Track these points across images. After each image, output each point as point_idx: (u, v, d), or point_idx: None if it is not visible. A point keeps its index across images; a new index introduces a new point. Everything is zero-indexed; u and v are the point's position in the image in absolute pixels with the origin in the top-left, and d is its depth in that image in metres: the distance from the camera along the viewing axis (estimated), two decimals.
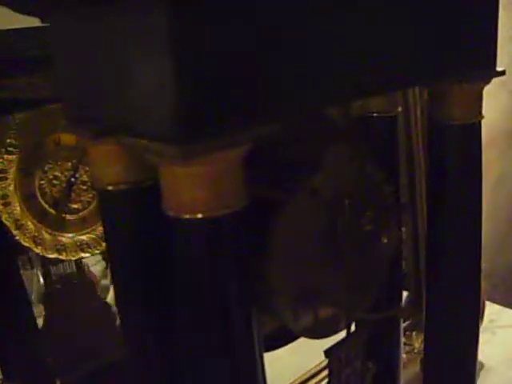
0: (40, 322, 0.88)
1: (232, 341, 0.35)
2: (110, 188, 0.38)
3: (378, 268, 0.45)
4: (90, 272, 0.99)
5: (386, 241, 0.43)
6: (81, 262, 0.93)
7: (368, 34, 0.39)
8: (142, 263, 0.39)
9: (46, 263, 0.90)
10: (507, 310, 1.41)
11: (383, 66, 0.40)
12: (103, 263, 1.03)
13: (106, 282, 1.01)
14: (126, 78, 0.32)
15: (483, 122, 1.85)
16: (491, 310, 1.39)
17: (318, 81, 0.36)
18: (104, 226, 0.40)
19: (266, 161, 0.40)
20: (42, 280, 0.95)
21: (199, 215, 0.32)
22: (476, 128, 0.50)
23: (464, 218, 0.53)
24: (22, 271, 0.95)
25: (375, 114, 0.53)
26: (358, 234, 0.43)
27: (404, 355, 1.10)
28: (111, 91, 0.34)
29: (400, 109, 0.54)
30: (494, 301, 1.50)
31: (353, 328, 0.48)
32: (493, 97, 1.73)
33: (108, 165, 0.38)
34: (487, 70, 0.47)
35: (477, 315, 0.67)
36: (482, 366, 1.22)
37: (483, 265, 2.01)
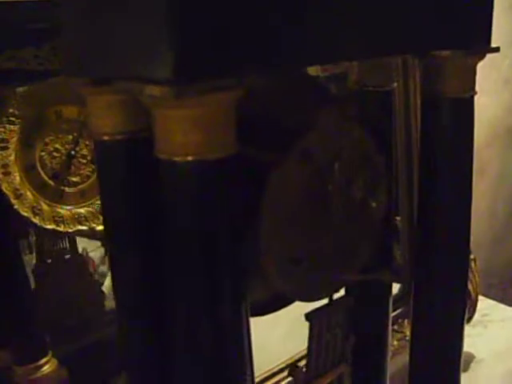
0: None
1: (219, 284, 0.36)
2: (105, 138, 0.39)
3: (367, 233, 0.46)
4: (89, 258, 1.00)
5: (374, 206, 0.44)
6: (74, 239, 0.94)
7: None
8: (135, 213, 0.40)
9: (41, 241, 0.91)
10: (500, 305, 1.43)
11: (379, 30, 0.41)
12: (102, 250, 1.05)
13: (103, 268, 1.02)
14: (120, 23, 0.33)
15: (486, 119, 1.86)
16: (485, 304, 1.41)
17: (314, 36, 0.36)
18: (99, 177, 0.41)
19: (257, 122, 0.41)
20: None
21: (189, 158, 0.33)
22: (469, 102, 0.50)
23: (455, 191, 0.53)
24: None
25: (371, 89, 0.55)
26: (347, 199, 0.43)
27: (395, 342, 1.11)
28: (106, 37, 0.35)
29: (395, 84, 0.55)
30: (489, 297, 1.51)
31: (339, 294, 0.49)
32: (495, 94, 1.73)
33: (105, 115, 0.39)
34: (481, 44, 0.48)
35: (463, 302, 0.68)
36: (473, 357, 1.22)
37: (479, 262, 2.02)
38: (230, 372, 0.43)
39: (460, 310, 0.67)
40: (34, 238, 0.90)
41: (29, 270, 0.95)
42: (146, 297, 0.47)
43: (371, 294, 0.56)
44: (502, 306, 1.43)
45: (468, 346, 1.28)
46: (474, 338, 1.29)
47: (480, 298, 1.46)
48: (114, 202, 0.40)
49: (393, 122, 0.57)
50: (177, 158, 0.33)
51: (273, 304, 0.50)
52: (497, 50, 0.48)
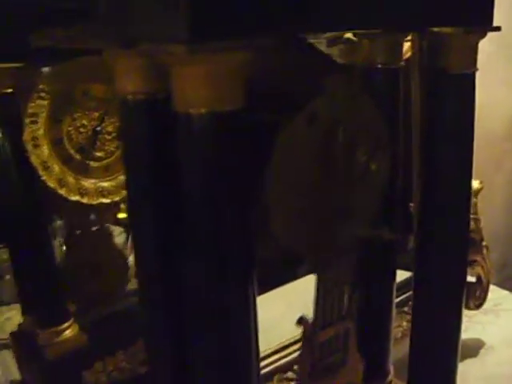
0: None
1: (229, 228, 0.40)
2: (129, 97, 0.43)
3: (369, 193, 0.49)
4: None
5: (377, 170, 0.47)
6: (102, 212, 0.98)
7: None
8: (155, 166, 0.44)
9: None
10: None
11: (389, 6, 0.44)
12: (124, 235, 1.09)
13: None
14: None
15: (503, 112, 1.87)
16: (498, 294, 1.41)
17: (323, 3, 0.40)
18: (121, 131, 0.45)
19: (268, 86, 0.44)
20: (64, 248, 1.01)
21: (202, 110, 0.37)
22: (470, 77, 0.53)
23: (456, 158, 0.56)
24: None
25: (379, 66, 0.58)
26: (351, 161, 0.47)
27: (405, 323, 1.14)
28: (131, 4, 0.39)
29: (403, 63, 0.59)
30: (505, 288, 1.52)
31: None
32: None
33: (128, 77, 0.43)
34: (482, 23, 0.51)
35: (463, 278, 0.70)
36: (483, 344, 1.23)
37: (495, 254, 2.02)
38: (238, 338, 0.47)
39: (458, 296, 0.69)
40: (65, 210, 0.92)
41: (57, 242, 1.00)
42: (164, 260, 0.51)
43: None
44: None
45: (479, 333, 1.26)
46: (485, 326, 1.30)
47: (493, 287, 1.45)
48: (134, 155, 0.44)
49: (399, 97, 0.60)
50: (191, 110, 0.37)
51: (280, 263, 0.53)
52: (498, 29, 0.51)
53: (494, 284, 1.48)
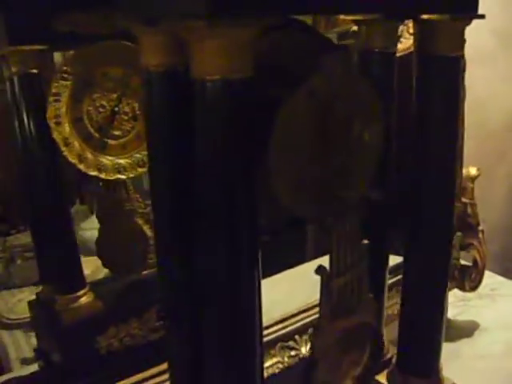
0: None
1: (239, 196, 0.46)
2: (151, 69, 0.49)
3: (362, 161, 0.55)
4: None
5: (370, 140, 0.53)
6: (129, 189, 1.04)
7: None
8: (174, 131, 0.50)
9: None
10: (510, 281, 1.47)
11: None
12: None
13: None
14: None
15: (502, 107, 1.92)
16: (494, 280, 1.46)
17: None
18: (145, 101, 0.51)
19: (272, 63, 0.50)
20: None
21: (216, 77, 0.43)
22: (458, 60, 0.59)
23: (443, 141, 0.62)
24: None
25: (376, 50, 0.64)
26: (346, 132, 0.52)
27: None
28: None
29: (396, 48, 0.64)
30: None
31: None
32: None
33: (152, 51, 0.49)
34: (468, 11, 0.57)
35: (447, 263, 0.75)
36: (478, 326, 1.28)
37: (496, 246, 2.05)
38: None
39: (443, 276, 0.74)
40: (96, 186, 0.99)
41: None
42: (181, 229, 0.57)
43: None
44: (510, 282, 1.47)
45: (473, 315, 1.31)
46: (480, 309, 1.34)
47: (490, 274, 1.45)
48: (155, 121, 0.50)
49: (393, 78, 0.66)
50: (208, 77, 0.43)
51: (282, 226, 0.59)
52: (482, 16, 0.57)
53: (491, 270, 1.51)
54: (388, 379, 0.71)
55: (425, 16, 0.57)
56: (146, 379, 0.94)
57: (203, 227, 0.51)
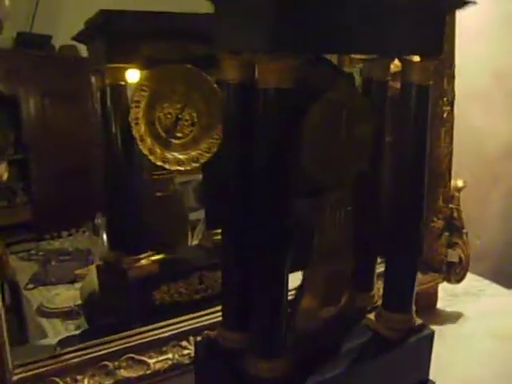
0: None
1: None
2: (230, 82, 0.75)
3: (362, 146, 0.82)
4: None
5: (366, 137, 0.80)
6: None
7: (373, 21, 0.73)
8: (244, 127, 0.76)
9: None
10: (496, 284, 1.63)
11: (377, 39, 0.75)
12: None
13: None
14: (240, 19, 0.70)
15: (499, 138, 2.16)
16: (481, 283, 1.62)
17: (347, 34, 0.72)
18: (223, 107, 0.77)
19: (305, 83, 0.77)
20: (105, 242, 1.31)
21: (271, 86, 0.68)
22: (427, 89, 0.83)
23: (413, 155, 0.85)
24: (88, 233, 1.33)
25: (374, 79, 0.91)
26: (351, 131, 0.79)
27: None
28: (236, 30, 0.71)
29: (390, 77, 0.92)
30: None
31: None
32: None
33: (230, 69, 0.75)
34: (435, 53, 0.81)
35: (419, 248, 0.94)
36: (462, 315, 1.46)
37: (491, 264, 2.16)
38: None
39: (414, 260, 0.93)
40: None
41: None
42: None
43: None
44: (497, 285, 1.61)
45: (460, 308, 1.49)
46: (467, 304, 1.50)
47: (478, 278, 1.63)
48: (231, 120, 0.77)
49: (385, 97, 0.92)
50: (267, 86, 0.68)
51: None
52: (439, 56, 0.82)
53: (479, 274, 1.64)
54: (376, 317, 0.95)
55: (406, 56, 0.84)
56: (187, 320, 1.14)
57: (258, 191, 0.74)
